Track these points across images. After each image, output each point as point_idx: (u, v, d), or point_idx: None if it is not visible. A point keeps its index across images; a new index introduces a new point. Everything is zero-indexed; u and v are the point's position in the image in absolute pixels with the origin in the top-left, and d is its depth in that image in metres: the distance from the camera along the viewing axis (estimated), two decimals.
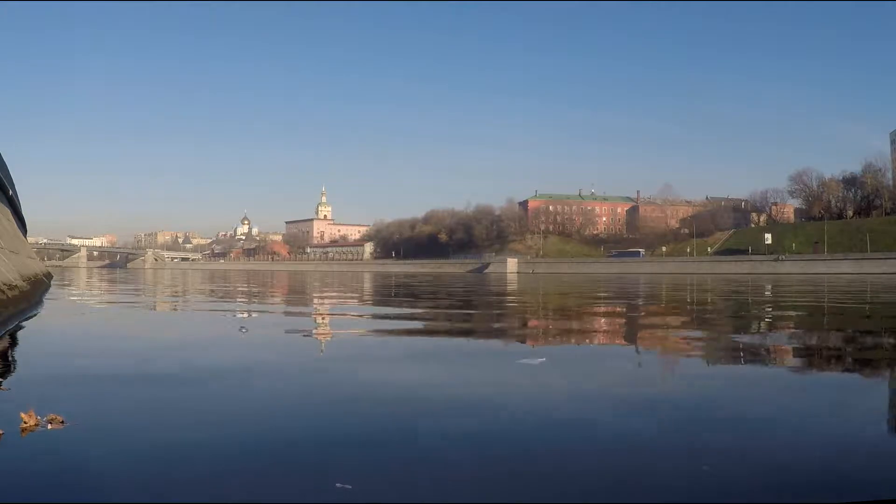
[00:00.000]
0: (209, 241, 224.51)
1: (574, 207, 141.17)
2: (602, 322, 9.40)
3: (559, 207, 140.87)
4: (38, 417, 2.69)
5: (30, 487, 2.04)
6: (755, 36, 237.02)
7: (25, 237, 27.84)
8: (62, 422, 2.69)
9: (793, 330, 8.08)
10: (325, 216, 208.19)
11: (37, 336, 6.51)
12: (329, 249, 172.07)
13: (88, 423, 2.75)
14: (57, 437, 2.55)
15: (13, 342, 5.77)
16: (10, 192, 20.06)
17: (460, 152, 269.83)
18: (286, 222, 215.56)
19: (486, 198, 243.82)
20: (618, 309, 12.32)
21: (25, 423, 2.64)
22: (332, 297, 16.72)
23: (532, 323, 9.29)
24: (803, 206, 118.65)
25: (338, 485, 2.06)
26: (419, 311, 11.43)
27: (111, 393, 3.58)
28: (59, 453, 2.36)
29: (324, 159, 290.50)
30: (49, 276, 24.59)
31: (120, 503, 1.93)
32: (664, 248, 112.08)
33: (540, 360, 4.92)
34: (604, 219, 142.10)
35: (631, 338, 7.51)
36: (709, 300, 15.76)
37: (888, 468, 2.34)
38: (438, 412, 3.20)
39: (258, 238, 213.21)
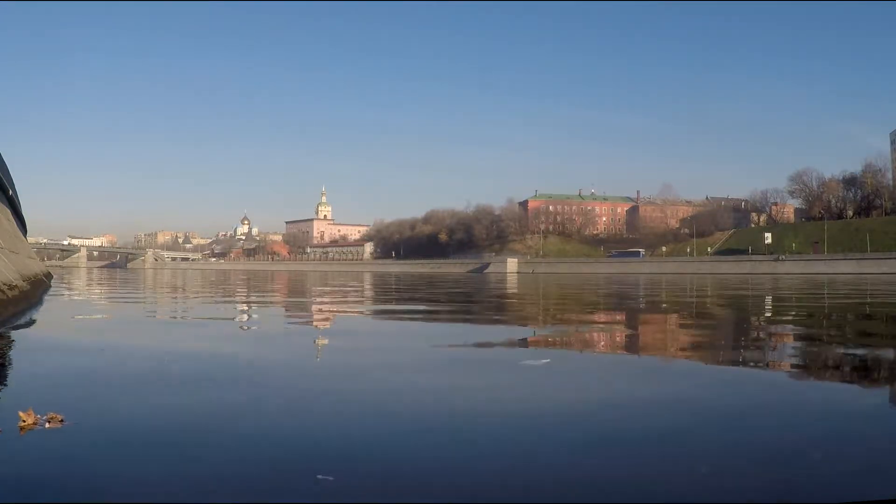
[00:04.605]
0: (209, 241, 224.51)
1: (574, 207, 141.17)
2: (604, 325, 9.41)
3: (559, 207, 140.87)
4: (37, 416, 2.69)
5: (26, 486, 2.04)
6: (755, 36, 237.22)
7: (25, 237, 27.85)
8: (61, 421, 2.69)
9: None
10: (325, 216, 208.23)
11: (37, 336, 6.51)
12: (329, 249, 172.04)
13: (88, 423, 2.75)
14: (55, 436, 2.55)
15: (13, 342, 5.78)
16: (10, 192, 20.07)
17: (460, 152, 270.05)
18: (286, 222, 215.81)
19: (486, 198, 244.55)
20: (619, 315, 12.31)
21: (24, 421, 2.64)
22: (339, 301, 16.72)
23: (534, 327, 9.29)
24: (803, 206, 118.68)
25: (319, 476, 2.08)
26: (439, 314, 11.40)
27: (111, 392, 3.58)
28: (57, 452, 2.36)
29: (324, 159, 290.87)
30: (49, 276, 24.60)
31: (117, 503, 1.93)
32: (664, 248, 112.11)
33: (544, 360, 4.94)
34: (604, 219, 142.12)
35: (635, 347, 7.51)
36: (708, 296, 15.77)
37: None
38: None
39: (258, 238, 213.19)
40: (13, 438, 2.50)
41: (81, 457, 2.33)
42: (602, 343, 6.71)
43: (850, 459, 2.39)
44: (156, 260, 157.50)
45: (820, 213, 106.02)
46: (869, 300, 15.27)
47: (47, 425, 2.64)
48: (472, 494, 2.01)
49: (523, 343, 6.64)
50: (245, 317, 10.04)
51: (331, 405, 3.31)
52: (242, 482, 2.09)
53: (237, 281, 32.66)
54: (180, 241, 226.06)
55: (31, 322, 7.84)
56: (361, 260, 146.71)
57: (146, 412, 3.05)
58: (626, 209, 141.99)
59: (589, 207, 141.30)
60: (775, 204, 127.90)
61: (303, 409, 3.23)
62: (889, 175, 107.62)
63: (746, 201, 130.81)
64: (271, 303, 14.36)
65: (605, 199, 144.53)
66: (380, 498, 1.98)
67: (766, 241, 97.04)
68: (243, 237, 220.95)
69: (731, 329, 8.49)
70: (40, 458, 2.29)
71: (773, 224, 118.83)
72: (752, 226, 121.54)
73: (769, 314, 10.97)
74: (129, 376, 4.10)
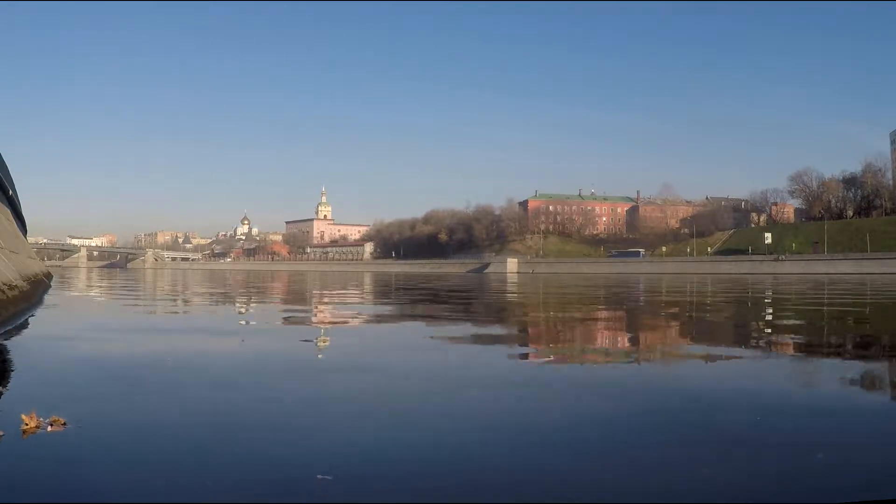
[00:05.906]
0: (209, 241, 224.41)
1: (574, 207, 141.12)
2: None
3: (559, 207, 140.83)
4: (40, 419, 2.67)
5: (28, 489, 2.03)
6: (755, 36, 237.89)
7: (25, 237, 27.85)
8: (64, 424, 2.67)
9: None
10: (325, 216, 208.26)
11: (37, 336, 6.49)
12: (329, 249, 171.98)
13: (90, 426, 2.73)
14: (57, 439, 2.53)
15: (14, 342, 5.76)
16: (10, 192, 20.07)
17: (460, 152, 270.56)
18: (286, 222, 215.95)
19: (486, 198, 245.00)
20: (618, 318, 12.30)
21: (27, 424, 2.63)
22: (347, 303, 16.70)
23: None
24: (803, 206, 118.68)
25: (318, 476, 2.08)
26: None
27: (113, 395, 3.56)
28: (59, 455, 2.35)
29: (324, 159, 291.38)
30: (49, 275, 24.58)
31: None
32: (664, 248, 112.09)
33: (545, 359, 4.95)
34: (604, 219, 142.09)
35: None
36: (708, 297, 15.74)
37: None
38: None
39: (258, 238, 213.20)
40: (15, 441, 2.49)
41: (83, 460, 2.31)
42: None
43: None
44: (156, 260, 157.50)
45: (820, 213, 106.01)
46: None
47: (49, 428, 2.62)
48: None
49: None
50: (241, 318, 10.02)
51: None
52: (244, 484, 2.08)
53: (237, 280, 32.63)
54: (180, 241, 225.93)
55: (32, 322, 7.82)
56: (361, 260, 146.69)
57: (149, 415, 3.04)
58: (626, 209, 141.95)
59: (589, 207, 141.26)
60: (775, 204, 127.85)
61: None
62: (889, 175, 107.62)
63: (746, 201, 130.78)
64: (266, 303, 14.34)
65: (605, 199, 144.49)
66: None
67: (766, 241, 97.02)
68: (243, 237, 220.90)
69: None
70: (42, 461, 2.28)
71: (773, 224, 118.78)
72: (752, 226, 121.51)
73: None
74: (131, 378, 4.08)
